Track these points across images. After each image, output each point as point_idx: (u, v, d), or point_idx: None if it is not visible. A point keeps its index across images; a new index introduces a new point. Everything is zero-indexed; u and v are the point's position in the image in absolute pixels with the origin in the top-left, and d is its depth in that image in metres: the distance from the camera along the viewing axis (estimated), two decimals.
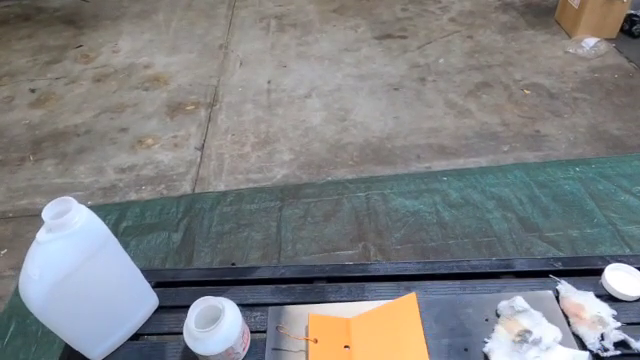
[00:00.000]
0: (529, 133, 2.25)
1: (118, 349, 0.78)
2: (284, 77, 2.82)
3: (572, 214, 1.83)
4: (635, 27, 2.80)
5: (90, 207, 2.16)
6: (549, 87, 2.53)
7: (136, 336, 0.81)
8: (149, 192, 2.14)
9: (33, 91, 2.90)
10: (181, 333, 0.81)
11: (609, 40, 2.78)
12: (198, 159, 2.29)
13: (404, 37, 3.09)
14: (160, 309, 0.84)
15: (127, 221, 1.98)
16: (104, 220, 2.13)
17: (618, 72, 2.58)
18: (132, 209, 2.04)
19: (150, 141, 2.43)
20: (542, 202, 1.89)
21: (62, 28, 3.58)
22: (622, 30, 2.83)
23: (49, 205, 0.63)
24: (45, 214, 0.62)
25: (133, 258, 1.89)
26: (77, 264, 0.64)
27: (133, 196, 2.13)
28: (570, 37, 2.87)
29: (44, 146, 2.47)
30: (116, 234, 2.01)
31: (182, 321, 0.82)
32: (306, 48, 3.08)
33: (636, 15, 2.83)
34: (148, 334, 0.82)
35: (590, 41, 2.71)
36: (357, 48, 3.02)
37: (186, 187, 2.14)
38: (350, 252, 1.79)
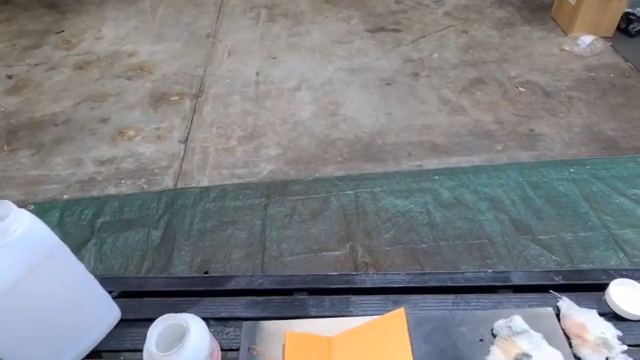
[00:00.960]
0: (523, 132, 2.20)
1: None
2: (273, 69, 2.72)
3: (566, 216, 1.78)
4: (632, 26, 2.75)
5: (66, 201, 2.03)
6: (544, 85, 2.47)
7: (95, 353, 0.73)
8: (129, 186, 2.04)
9: (10, 77, 2.77)
10: None
11: (605, 38, 2.72)
12: (181, 152, 2.19)
13: (398, 30, 3.01)
14: (123, 322, 0.76)
15: (105, 216, 1.89)
16: (80, 215, 2.01)
17: (614, 71, 2.53)
18: (110, 204, 1.94)
19: (132, 133, 2.33)
20: (536, 203, 1.84)
21: (43, 12, 3.44)
22: (618, 29, 2.78)
23: None
24: None
25: (110, 255, 1.81)
26: (17, 277, 0.55)
27: (112, 190, 2.03)
28: (566, 34, 2.82)
29: (20, 135, 2.36)
30: (93, 230, 1.93)
31: (145, 336, 0.75)
32: (297, 39, 2.98)
33: (633, 14, 2.78)
34: (108, 351, 0.74)
35: (586, 39, 2.66)
36: (349, 40, 2.93)
37: (168, 182, 2.05)
38: (337, 253, 1.72)
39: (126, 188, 2.04)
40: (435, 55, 2.75)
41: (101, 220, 1.88)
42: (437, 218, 1.81)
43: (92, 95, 2.61)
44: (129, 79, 2.71)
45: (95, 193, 2.02)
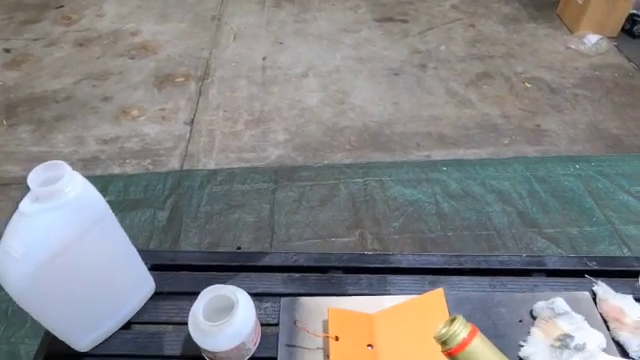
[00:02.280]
0: (530, 127, 2.21)
1: (109, 339, 0.69)
2: (280, 54, 2.69)
3: (571, 211, 1.81)
4: (636, 27, 2.78)
5: None
6: (550, 82, 2.49)
7: (128, 325, 0.72)
8: (133, 166, 2.01)
9: (8, 51, 2.69)
10: (180, 323, 0.72)
11: (610, 38, 2.75)
12: (187, 134, 2.16)
13: (405, 21, 2.99)
14: (156, 295, 0.74)
15: (109, 196, 1.86)
16: None
17: (618, 71, 2.56)
18: (115, 183, 1.91)
19: (135, 112, 2.29)
20: (542, 197, 1.86)
21: None
22: (623, 29, 2.81)
23: (36, 170, 0.52)
24: (32, 180, 0.51)
25: None
26: (68, 241, 0.54)
27: (116, 170, 2.00)
28: (572, 33, 2.84)
29: (19, 111, 2.30)
30: None
31: (182, 309, 0.74)
32: (304, 26, 2.95)
33: (638, 15, 2.80)
34: (142, 323, 0.72)
35: (592, 38, 2.68)
36: (357, 29, 2.91)
37: (174, 163, 2.02)
38: (346, 239, 1.72)
39: (131, 168, 2.01)
40: (442, 47, 2.75)
41: (105, 199, 1.79)
42: (445, 208, 1.82)
43: (94, 73, 2.55)
44: (132, 58, 2.65)
45: (99, 172, 1.99)
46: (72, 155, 2.06)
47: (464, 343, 0.55)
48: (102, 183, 1.91)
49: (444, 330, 0.57)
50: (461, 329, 0.56)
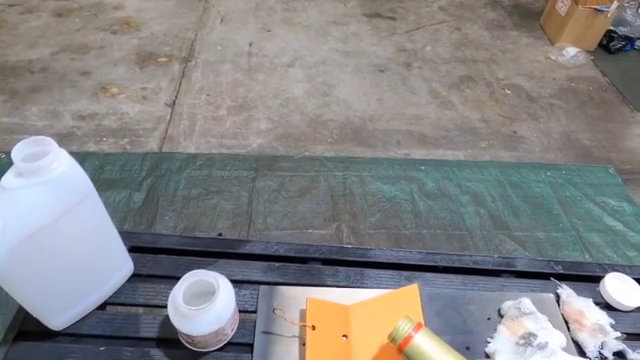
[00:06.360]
0: (507, 133, 2.28)
1: (84, 318, 0.68)
2: (267, 42, 2.67)
3: (540, 216, 1.88)
4: (612, 43, 2.89)
5: None
6: (529, 90, 2.56)
7: (103, 305, 0.71)
8: (110, 145, 1.97)
9: None
10: (158, 306, 0.72)
11: (587, 52, 2.85)
12: (168, 116, 2.13)
13: (393, 19, 3.01)
14: (134, 277, 0.74)
15: None
16: None
17: (593, 84, 2.65)
18: (90, 160, 1.87)
19: (115, 90, 2.23)
20: (514, 202, 1.92)
21: None
22: (600, 44, 2.91)
23: (20, 144, 0.51)
24: (15, 154, 0.50)
25: None
26: (50, 218, 0.53)
27: (92, 147, 1.95)
28: (552, 44, 2.92)
29: None
30: None
31: (159, 292, 0.74)
32: (292, 15, 2.93)
33: (615, 32, 2.91)
34: (119, 304, 0.72)
35: (571, 50, 2.77)
36: (345, 23, 2.91)
37: (152, 144, 1.99)
38: (323, 232, 1.74)
39: (107, 146, 1.96)
40: (428, 48, 2.78)
41: None
42: (421, 207, 1.86)
43: (72, 45, 2.47)
44: (114, 33, 2.58)
45: (74, 148, 1.93)
46: (46, 129, 2.00)
47: (409, 337, 0.61)
48: (77, 160, 1.85)
49: (392, 329, 0.62)
50: (405, 326, 0.62)
